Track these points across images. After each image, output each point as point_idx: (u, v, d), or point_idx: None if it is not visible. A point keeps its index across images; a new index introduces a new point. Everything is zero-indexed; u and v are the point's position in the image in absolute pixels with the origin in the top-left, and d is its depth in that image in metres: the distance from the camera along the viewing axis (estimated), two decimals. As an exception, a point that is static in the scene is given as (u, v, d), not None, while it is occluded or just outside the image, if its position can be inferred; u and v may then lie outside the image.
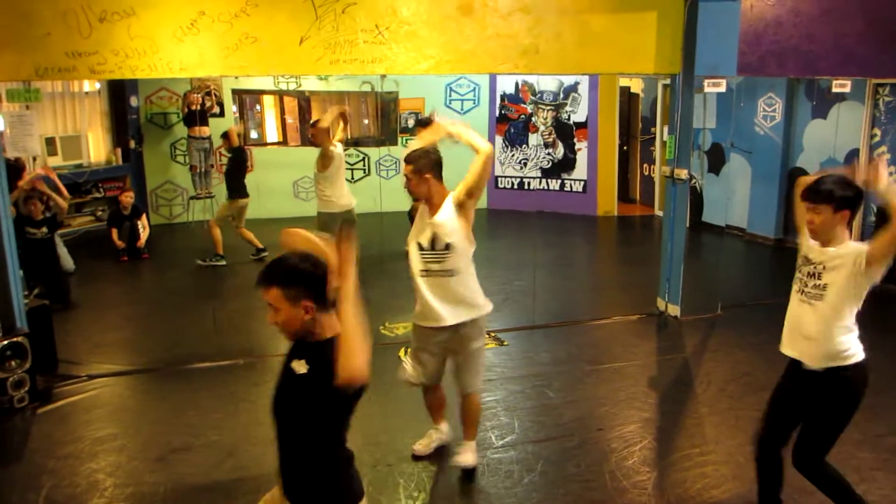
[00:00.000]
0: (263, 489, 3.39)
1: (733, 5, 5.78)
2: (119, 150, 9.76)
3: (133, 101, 9.93)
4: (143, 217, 8.64)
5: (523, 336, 5.96)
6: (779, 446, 3.18)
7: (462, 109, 11.20)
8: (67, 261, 7.60)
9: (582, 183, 10.98)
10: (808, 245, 3.02)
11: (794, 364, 3.09)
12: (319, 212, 6.85)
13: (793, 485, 3.33)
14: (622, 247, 9.84)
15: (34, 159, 8.34)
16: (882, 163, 2.85)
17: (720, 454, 4.01)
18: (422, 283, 3.55)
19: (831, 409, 2.99)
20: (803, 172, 8.70)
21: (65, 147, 8.99)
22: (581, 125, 10.84)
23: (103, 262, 8.27)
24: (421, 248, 3.54)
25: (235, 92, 10.53)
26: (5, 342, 4.51)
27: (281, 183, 10.57)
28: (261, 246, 8.20)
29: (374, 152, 10.98)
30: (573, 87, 10.79)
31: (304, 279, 2.07)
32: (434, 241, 3.50)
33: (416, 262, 3.56)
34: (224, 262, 8.01)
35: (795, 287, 3.06)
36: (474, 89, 11.21)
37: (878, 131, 7.92)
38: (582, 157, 10.90)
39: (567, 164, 11.01)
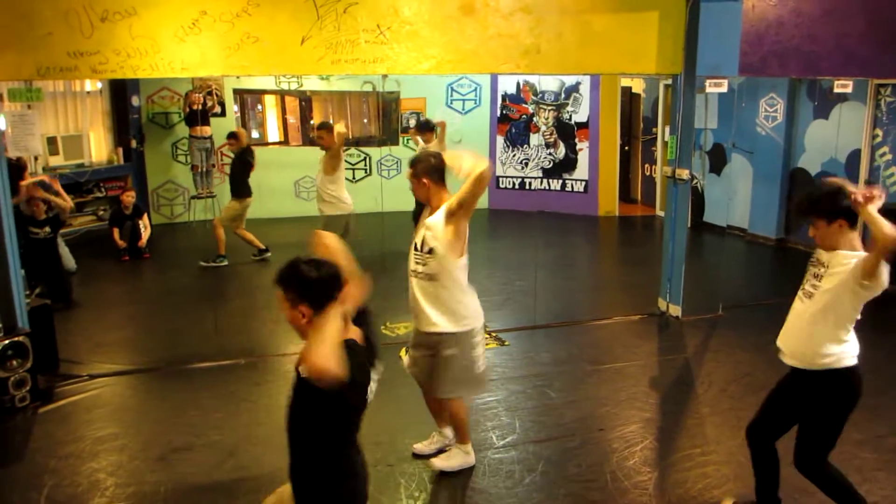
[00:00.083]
0: (264, 489, 3.39)
1: (735, 5, 5.77)
2: (120, 150, 9.77)
3: (134, 101, 9.94)
4: (145, 217, 8.64)
5: (524, 336, 5.96)
6: (768, 437, 3.23)
7: (463, 109, 11.21)
8: (69, 260, 7.61)
9: (583, 183, 10.97)
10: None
11: None
12: (329, 215, 6.95)
13: (793, 485, 3.34)
14: (623, 247, 9.83)
15: (36, 159, 8.36)
16: (877, 196, 2.77)
17: (721, 454, 4.01)
18: (411, 282, 3.62)
19: (817, 410, 3.04)
20: (805, 173, 8.72)
21: (66, 146, 9.00)
22: (582, 125, 10.83)
23: (105, 262, 8.27)
24: (415, 247, 3.61)
25: (237, 91, 10.54)
26: (7, 341, 4.51)
27: (282, 183, 10.57)
28: (262, 246, 8.21)
29: (375, 152, 10.99)
30: (574, 87, 10.79)
31: (301, 284, 2.08)
32: (423, 242, 3.55)
33: (410, 260, 3.64)
34: (226, 263, 8.02)
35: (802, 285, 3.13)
36: (476, 89, 11.21)
37: (879, 132, 7.91)
38: (583, 158, 10.90)
39: (568, 164, 11.01)
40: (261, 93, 10.96)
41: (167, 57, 4.80)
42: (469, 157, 3.39)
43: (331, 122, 7.48)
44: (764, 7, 5.92)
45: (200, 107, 9.77)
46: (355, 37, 5.05)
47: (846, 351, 2.97)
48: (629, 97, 11.61)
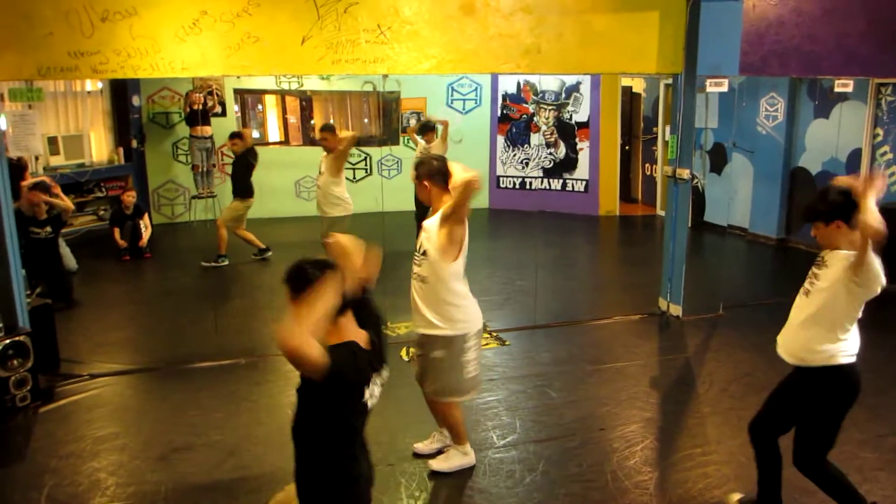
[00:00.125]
0: (265, 488, 3.39)
1: (735, 5, 5.77)
2: (121, 150, 9.78)
3: (135, 101, 9.95)
4: (145, 216, 8.65)
5: (525, 336, 5.96)
6: (770, 434, 3.24)
7: (464, 109, 11.21)
8: (70, 260, 7.61)
9: (584, 183, 10.97)
10: None
11: None
12: (334, 216, 6.96)
13: (794, 485, 3.33)
14: (624, 247, 9.83)
15: (36, 158, 8.37)
16: (879, 180, 2.84)
17: (722, 454, 4.01)
18: (412, 282, 3.64)
19: (813, 407, 3.05)
20: (805, 172, 8.72)
21: (67, 146, 9.00)
22: (583, 125, 10.83)
23: (105, 262, 8.28)
24: (415, 248, 3.64)
25: (237, 91, 10.54)
26: (8, 341, 4.51)
27: (283, 182, 10.58)
28: (262, 246, 8.22)
29: (375, 152, 10.99)
30: (575, 87, 10.79)
31: (300, 284, 2.09)
32: (420, 244, 3.58)
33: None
34: (227, 262, 8.03)
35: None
36: (476, 89, 11.21)
37: (880, 131, 7.91)
38: (584, 157, 10.90)
39: (569, 163, 11.00)
40: (261, 93, 10.96)
41: (168, 57, 4.80)
42: (460, 167, 3.48)
43: (331, 122, 7.50)
44: (764, 7, 5.92)
45: (201, 107, 9.77)
46: (356, 37, 5.05)
47: (841, 348, 2.97)
48: (630, 97, 11.60)
